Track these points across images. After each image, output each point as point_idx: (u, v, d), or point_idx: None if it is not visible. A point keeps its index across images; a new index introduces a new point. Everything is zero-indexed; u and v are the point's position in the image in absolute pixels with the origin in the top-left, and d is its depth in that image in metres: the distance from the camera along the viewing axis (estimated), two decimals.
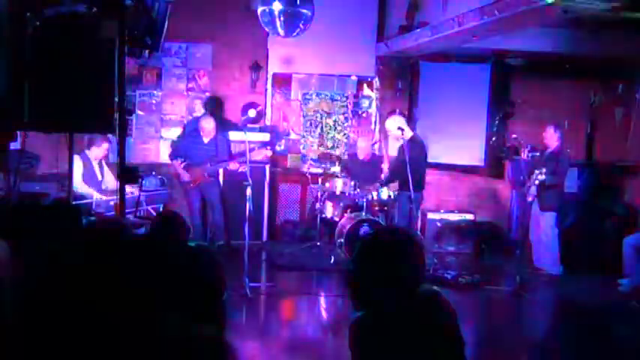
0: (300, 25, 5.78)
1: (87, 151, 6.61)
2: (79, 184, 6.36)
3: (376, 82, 8.53)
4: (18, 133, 4.01)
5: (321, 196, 7.56)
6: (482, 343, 5.22)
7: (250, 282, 5.76)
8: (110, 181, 6.71)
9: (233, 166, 7.12)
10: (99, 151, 6.65)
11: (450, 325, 2.20)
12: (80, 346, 2.15)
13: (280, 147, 8.44)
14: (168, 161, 7.53)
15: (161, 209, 7.30)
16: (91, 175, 6.58)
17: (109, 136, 6.41)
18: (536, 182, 6.66)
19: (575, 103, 8.60)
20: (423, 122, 8.43)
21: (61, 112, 3.58)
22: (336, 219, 7.41)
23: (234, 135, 7.57)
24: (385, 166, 7.64)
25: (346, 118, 8.56)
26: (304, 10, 5.70)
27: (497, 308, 6.31)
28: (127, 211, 4.54)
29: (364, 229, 6.86)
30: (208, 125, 7.20)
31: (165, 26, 4.45)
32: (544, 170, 6.63)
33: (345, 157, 8.25)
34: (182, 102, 8.27)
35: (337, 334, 5.10)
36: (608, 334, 5.51)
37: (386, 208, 7.49)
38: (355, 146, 7.89)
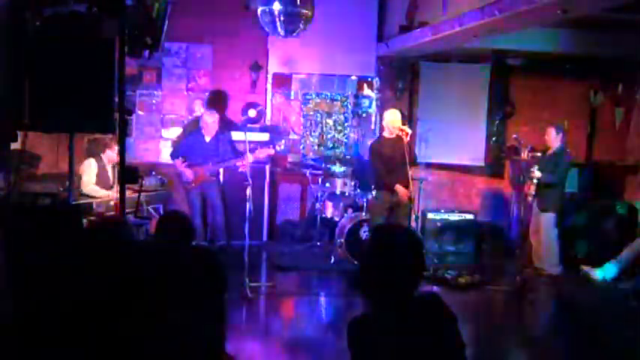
0: (300, 25, 5.78)
1: (102, 155, 6.60)
2: (91, 187, 6.36)
3: (376, 82, 8.53)
4: (18, 133, 4.00)
5: (321, 196, 7.56)
6: (483, 343, 5.22)
7: (250, 282, 5.76)
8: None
9: (252, 157, 6.62)
10: (113, 154, 6.55)
11: (449, 329, 2.20)
12: (81, 345, 2.15)
13: (280, 147, 8.44)
14: (169, 161, 7.52)
15: (161, 209, 7.31)
16: (104, 178, 6.55)
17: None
18: (534, 181, 6.68)
19: (575, 103, 8.61)
20: (423, 122, 8.43)
21: (61, 112, 3.58)
22: (336, 219, 7.41)
23: (234, 135, 7.57)
24: None
25: (346, 118, 8.56)
26: (304, 10, 5.70)
27: (497, 308, 6.31)
28: (127, 211, 4.54)
29: (364, 229, 6.87)
30: (210, 119, 7.17)
31: (165, 26, 4.45)
32: (536, 167, 6.65)
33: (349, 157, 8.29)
34: (182, 102, 8.27)
35: (337, 334, 5.10)
36: (608, 334, 5.51)
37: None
38: (356, 146, 7.88)
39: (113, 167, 6.65)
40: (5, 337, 2.17)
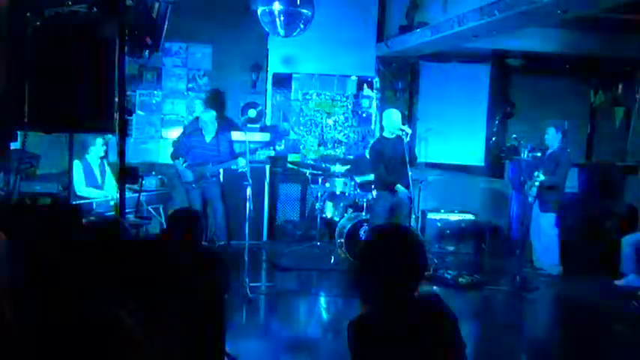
0: (300, 25, 5.78)
1: (87, 155, 6.57)
2: (84, 189, 6.35)
3: (376, 82, 8.53)
4: (18, 133, 4.00)
5: (321, 196, 7.56)
6: (483, 343, 5.22)
7: (250, 282, 5.76)
8: (110, 182, 6.64)
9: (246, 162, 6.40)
10: (96, 149, 6.58)
11: (449, 329, 2.20)
12: (80, 344, 2.15)
13: (280, 147, 8.44)
14: (169, 161, 7.52)
15: (161, 209, 7.31)
16: (92, 178, 6.54)
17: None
18: (536, 183, 6.67)
19: (575, 103, 8.61)
20: (422, 122, 8.43)
21: (61, 112, 3.58)
22: (336, 219, 7.41)
23: (234, 135, 7.57)
24: None
25: (346, 118, 8.56)
26: (304, 10, 5.70)
27: (497, 308, 6.30)
28: (127, 211, 4.54)
29: (364, 229, 6.87)
30: (207, 117, 7.18)
31: (165, 26, 4.45)
32: (540, 172, 6.66)
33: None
34: (182, 102, 8.27)
35: (337, 334, 5.10)
36: (608, 334, 5.51)
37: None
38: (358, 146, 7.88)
39: (101, 165, 6.63)
40: (5, 337, 2.17)
